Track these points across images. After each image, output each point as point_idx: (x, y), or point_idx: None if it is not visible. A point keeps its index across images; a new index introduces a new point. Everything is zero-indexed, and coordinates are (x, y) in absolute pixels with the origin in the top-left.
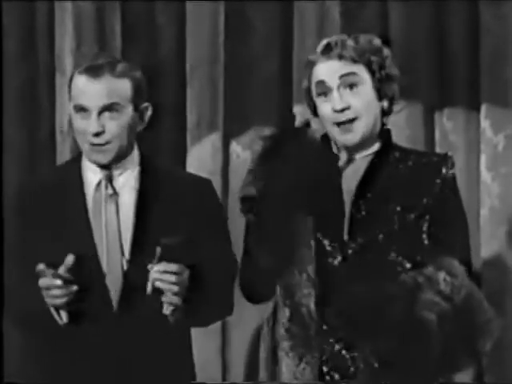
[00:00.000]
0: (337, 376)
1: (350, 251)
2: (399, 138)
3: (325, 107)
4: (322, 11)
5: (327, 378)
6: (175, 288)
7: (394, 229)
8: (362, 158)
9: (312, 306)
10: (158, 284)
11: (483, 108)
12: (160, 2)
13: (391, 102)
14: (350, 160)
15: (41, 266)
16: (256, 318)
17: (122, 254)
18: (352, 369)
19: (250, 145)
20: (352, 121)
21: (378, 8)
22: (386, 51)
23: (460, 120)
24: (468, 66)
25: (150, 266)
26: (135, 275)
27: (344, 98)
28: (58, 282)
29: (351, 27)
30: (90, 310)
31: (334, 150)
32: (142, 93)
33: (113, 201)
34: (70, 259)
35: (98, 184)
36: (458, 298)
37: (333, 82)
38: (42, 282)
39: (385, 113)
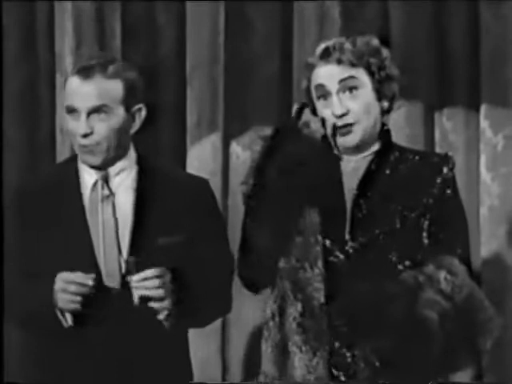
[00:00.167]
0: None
1: (350, 250)
2: (399, 137)
3: (324, 111)
4: (322, 11)
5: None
6: (161, 292)
7: (395, 228)
8: (363, 158)
9: (322, 300)
10: (143, 292)
11: (483, 108)
12: (160, 2)
13: (391, 101)
14: (350, 160)
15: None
16: (256, 317)
17: (120, 253)
18: (353, 368)
19: (250, 145)
20: (351, 125)
21: (378, 8)
22: (385, 52)
23: (460, 120)
24: (468, 65)
25: (128, 279)
26: (132, 275)
27: (343, 102)
28: (85, 289)
29: (351, 27)
30: (91, 312)
31: (334, 150)
32: (135, 94)
33: (109, 201)
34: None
35: (95, 184)
36: (459, 297)
37: (332, 86)
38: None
39: (384, 112)
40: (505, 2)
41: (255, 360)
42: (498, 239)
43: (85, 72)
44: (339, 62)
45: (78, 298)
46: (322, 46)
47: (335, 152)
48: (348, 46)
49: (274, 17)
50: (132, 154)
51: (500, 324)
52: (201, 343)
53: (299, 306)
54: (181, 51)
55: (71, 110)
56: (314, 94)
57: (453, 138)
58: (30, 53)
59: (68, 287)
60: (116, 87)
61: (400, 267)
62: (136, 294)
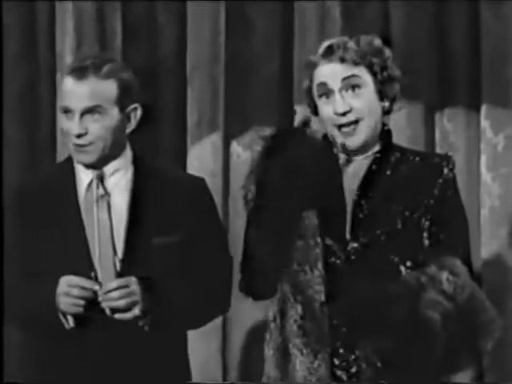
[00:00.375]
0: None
1: (352, 251)
2: (400, 138)
3: (326, 109)
4: (323, 11)
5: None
6: (122, 302)
7: (396, 228)
8: (363, 158)
9: (323, 300)
10: (109, 304)
11: (483, 108)
12: (161, 1)
13: (392, 102)
14: (350, 160)
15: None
16: (256, 317)
17: (115, 253)
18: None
19: (251, 145)
20: (354, 123)
21: (379, 8)
22: (387, 52)
23: (460, 120)
24: (468, 66)
25: (99, 293)
26: (128, 275)
27: (346, 100)
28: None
29: (351, 27)
30: (93, 314)
31: (335, 150)
32: (130, 94)
33: (104, 201)
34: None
35: (90, 184)
36: (461, 298)
37: (335, 84)
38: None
39: (385, 112)
40: (505, 2)
41: (255, 360)
42: (498, 240)
43: (79, 72)
44: (342, 60)
45: (82, 302)
46: (325, 44)
47: (340, 153)
48: (352, 44)
49: (275, 17)
50: (128, 153)
51: (501, 325)
52: (201, 343)
53: (299, 309)
54: (181, 51)
55: (66, 111)
56: (315, 93)
57: (453, 139)
58: (31, 53)
59: (71, 291)
60: (110, 87)
61: (401, 268)
62: (105, 307)
